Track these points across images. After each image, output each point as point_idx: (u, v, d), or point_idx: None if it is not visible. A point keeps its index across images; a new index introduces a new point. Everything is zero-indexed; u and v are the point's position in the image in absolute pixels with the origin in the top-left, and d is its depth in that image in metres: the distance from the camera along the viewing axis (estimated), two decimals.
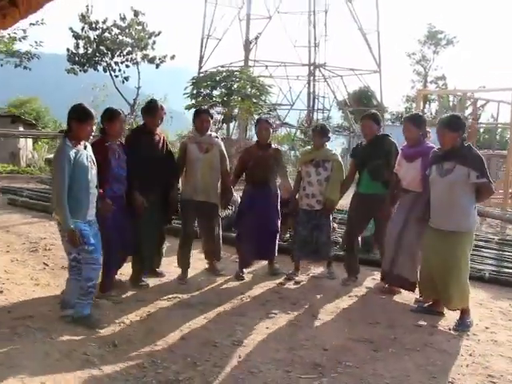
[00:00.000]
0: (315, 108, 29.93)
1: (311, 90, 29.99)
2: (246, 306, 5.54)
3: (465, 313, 5.24)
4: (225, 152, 6.54)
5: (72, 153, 4.58)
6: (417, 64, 51.20)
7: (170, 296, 5.70)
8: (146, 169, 5.67)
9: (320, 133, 6.57)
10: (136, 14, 28.32)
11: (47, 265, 6.71)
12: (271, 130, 6.70)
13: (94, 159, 4.86)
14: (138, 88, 29.49)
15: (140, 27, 28.76)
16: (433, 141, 5.84)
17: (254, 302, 5.65)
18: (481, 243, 8.75)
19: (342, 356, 4.29)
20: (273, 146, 6.74)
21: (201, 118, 6.37)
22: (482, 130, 32.02)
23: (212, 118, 6.61)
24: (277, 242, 6.70)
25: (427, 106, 45.36)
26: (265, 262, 6.97)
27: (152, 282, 6.13)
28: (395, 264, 5.92)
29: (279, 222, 6.68)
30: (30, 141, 23.59)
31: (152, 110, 6.01)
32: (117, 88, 28.82)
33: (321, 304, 5.66)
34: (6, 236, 8.25)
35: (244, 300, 5.72)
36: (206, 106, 18.92)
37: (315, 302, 5.71)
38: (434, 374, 4.04)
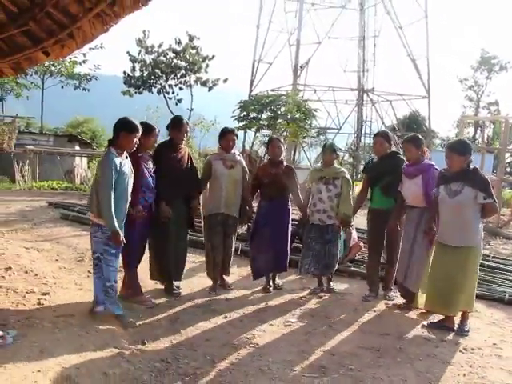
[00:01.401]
0: (363, 132, 30.13)
1: (359, 115, 30.26)
2: (267, 314, 5.98)
3: (466, 318, 5.73)
4: (246, 169, 7.00)
5: (117, 161, 5.10)
6: (469, 89, 50.87)
7: (199, 303, 6.22)
8: (171, 181, 6.13)
9: (329, 151, 6.95)
10: (191, 38, 29.30)
11: (91, 273, 7.28)
12: (283, 148, 7.04)
13: (132, 169, 5.40)
14: (191, 110, 30.36)
15: (194, 51, 29.68)
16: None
17: (275, 312, 6.09)
18: (508, 267, 8.92)
19: (347, 360, 4.67)
20: (284, 163, 7.08)
21: (227, 137, 6.81)
22: None
23: (237, 137, 7.04)
24: (288, 257, 7.01)
25: (478, 131, 44.96)
26: (290, 277, 7.38)
27: (184, 291, 6.64)
28: (406, 278, 6.34)
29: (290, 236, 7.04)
30: (84, 159, 24.68)
31: (177, 124, 6.47)
32: (170, 110, 29.76)
33: (338, 316, 6.04)
34: (56, 247, 8.92)
35: (266, 309, 6.17)
36: (253, 129, 19.67)
37: (333, 315, 6.08)
38: (430, 380, 4.37)
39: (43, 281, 6.63)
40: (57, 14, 6.13)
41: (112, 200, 5.01)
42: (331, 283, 7.18)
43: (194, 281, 7.15)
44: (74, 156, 20.83)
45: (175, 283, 6.57)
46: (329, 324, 5.73)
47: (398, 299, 6.70)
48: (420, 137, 6.66)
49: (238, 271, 7.82)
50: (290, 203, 7.08)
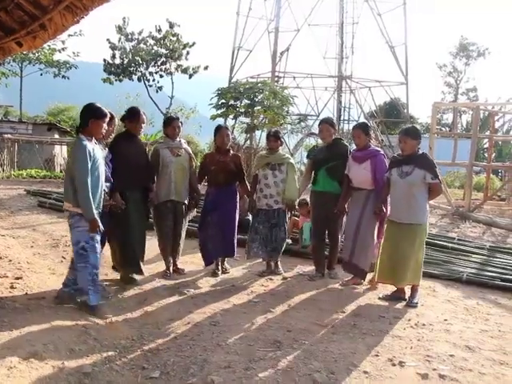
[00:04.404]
0: (342, 118, 30.38)
1: (338, 102, 30.49)
2: (231, 294, 6.30)
3: (415, 291, 6.26)
4: (193, 155, 7.21)
5: (90, 147, 5.17)
6: (448, 76, 51.34)
7: (167, 285, 6.53)
8: (126, 173, 6.22)
9: (274, 138, 7.23)
10: (171, 25, 29.20)
11: (65, 258, 7.56)
12: (231, 137, 7.27)
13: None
14: (172, 97, 30.40)
15: (175, 38, 29.65)
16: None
17: (239, 292, 6.40)
18: (472, 249, 9.29)
19: (302, 336, 4.98)
20: (231, 152, 7.29)
21: (172, 124, 6.98)
22: None
23: (182, 125, 7.11)
24: (236, 241, 7.26)
25: (458, 118, 45.39)
26: (260, 260, 7.68)
27: (154, 273, 6.95)
28: (353, 255, 6.74)
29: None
30: (64, 147, 24.73)
31: (133, 115, 6.53)
32: (151, 97, 29.79)
33: (299, 296, 6.35)
34: (32, 234, 9.15)
35: (230, 290, 6.48)
36: (231, 116, 19.84)
37: (294, 294, 6.40)
38: (378, 353, 4.67)
39: (17, 266, 6.86)
40: (27, 6, 6.32)
41: (89, 187, 5.06)
42: (278, 265, 7.46)
43: (163, 264, 7.38)
44: (54, 144, 20.89)
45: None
46: (289, 303, 6.03)
47: (345, 277, 7.10)
48: (368, 124, 7.21)
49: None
50: (237, 189, 7.30)
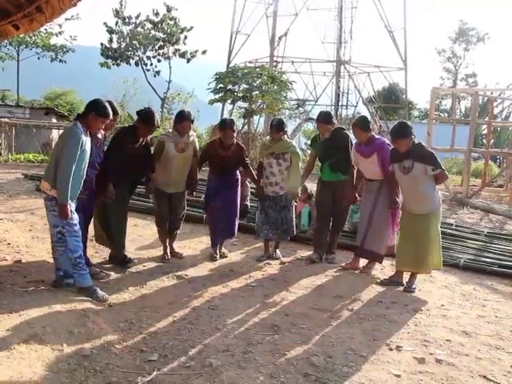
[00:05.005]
0: (340, 104, 30.35)
1: (337, 87, 30.43)
2: (230, 279, 6.32)
3: (414, 277, 6.35)
4: (197, 149, 7.13)
5: (83, 138, 5.18)
6: (447, 61, 51.20)
7: (167, 269, 6.54)
8: (122, 170, 6.20)
9: (277, 127, 7.16)
10: (169, 9, 29.06)
11: None
12: (235, 134, 7.13)
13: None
14: (169, 82, 30.29)
15: (172, 22, 29.50)
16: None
17: (237, 277, 6.44)
18: (470, 235, 9.34)
19: (299, 320, 5.02)
20: (235, 143, 7.16)
21: (183, 125, 6.77)
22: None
23: (193, 122, 6.97)
24: (236, 223, 7.36)
25: (457, 103, 45.33)
26: (258, 245, 7.72)
27: (154, 258, 7.00)
28: (366, 241, 6.79)
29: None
30: (61, 132, 24.40)
31: (149, 122, 6.42)
32: (148, 82, 29.69)
33: (297, 280, 6.38)
34: (30, 217, 9.13)
35: (229, 275, 6.51)
36: (229, 101, 19.80)
37: (293, 279, 6.43)
38: (375, 337, 4.72)
39: (16, 249, 6.87)
40: None
41: (71, 175, 5.07)
42: (277, 250, 7.52)
43: (161, 249, 7.38)
44: (51, 129, 20.79)
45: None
46: (287, 288, 6.06)
47: (343, 262, 7.22)
48: (367, 119, 7.03)
49: (207, 240, 8.07)
50: (238, 175, 7.33)
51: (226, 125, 7.04)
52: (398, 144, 6.12)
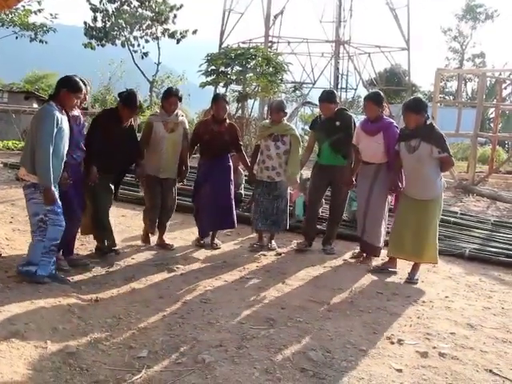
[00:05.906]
0: (339, 86, 30.27)
1: (336, 68, 30.36)
2: (223, 271, 6.35)
3: (416, 267, 6.38)
4: (188, 131, 7.17)
5: (57, 115, 5.15)
6: (453, 41, 51.08)
7: (156, 261, 6.59)
8: (105, 153, 6.18)
9: (277, 108, 7.21)
10: None
11: None
12: (228, 107, 7.22)
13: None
14: (158, 64, 30.23)
15: (161, 0, 29.40)
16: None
17: (231, 268, 6.47)
18: (476, 224, 9.38)
19: (296, 314, 5.05)
20: (227, 121, 7.24)
21: (170, 100, 6.85)
22: None
23: (181, 100, 7.01)
24: (234, 213, 7.35)
25: (463, 85, 45.32)
26: (253, 235, 7.75)
27: (143, 251, 7.03)
28: (365, 232, 6.84)
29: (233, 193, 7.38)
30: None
31: (131, 105, 6.42)
32: (136, 64, 29.64)
33: (293, 272, 6.41)
34: (10, 209, 9.11)
35: (222, 266, 6.54)
36: (222, 84, 19.74)
37: (289, 271, 6.47)
38: (375, 331, 4.75)
39: None
40: None
41: (50, 155, 5.05)
42: (272, 241, 7.54)
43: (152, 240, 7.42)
44: (32, 114, 20.63)
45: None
46: (283, 280, 6.10)
47: (341, 253, 7.33)
48: (381, 94, 7.07)
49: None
50: (230, 161, 7.33)
51: (218, 96, 7.23)
52: (407, 118, 6.12)
